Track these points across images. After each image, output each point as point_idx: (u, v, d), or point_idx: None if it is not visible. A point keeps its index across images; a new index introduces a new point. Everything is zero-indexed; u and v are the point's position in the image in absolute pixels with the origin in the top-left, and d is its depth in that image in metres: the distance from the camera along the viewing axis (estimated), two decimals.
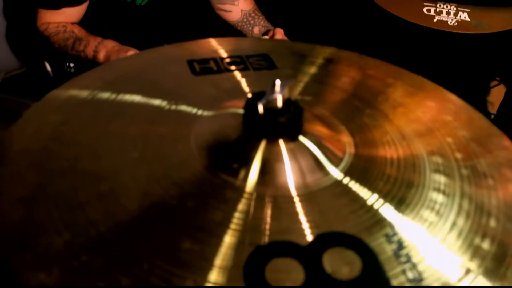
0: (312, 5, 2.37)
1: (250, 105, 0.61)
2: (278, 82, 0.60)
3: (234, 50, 0.83)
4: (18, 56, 2.19)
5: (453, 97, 0.78)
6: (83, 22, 1.61)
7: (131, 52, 1.41)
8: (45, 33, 1.57)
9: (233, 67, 0.79)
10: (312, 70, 0.81)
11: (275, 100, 0.61)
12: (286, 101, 0.62)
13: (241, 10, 1.82)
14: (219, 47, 0.83)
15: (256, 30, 1.81)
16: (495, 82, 2.56)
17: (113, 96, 0.69)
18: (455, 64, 2.34)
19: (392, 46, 2.19)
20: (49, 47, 1.59)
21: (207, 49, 0.83)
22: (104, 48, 1.49)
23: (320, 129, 0.68)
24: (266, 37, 1.71)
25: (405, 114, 0.73)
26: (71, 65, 1.69)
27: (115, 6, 1.64)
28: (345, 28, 2.37)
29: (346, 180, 0.62)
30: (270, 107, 0.61)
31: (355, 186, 0.62)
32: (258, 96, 0.62)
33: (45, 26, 1.56)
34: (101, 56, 1.49)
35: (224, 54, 0.82)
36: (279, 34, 1.68)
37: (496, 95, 2.44)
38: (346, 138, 0.68)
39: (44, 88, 1.91)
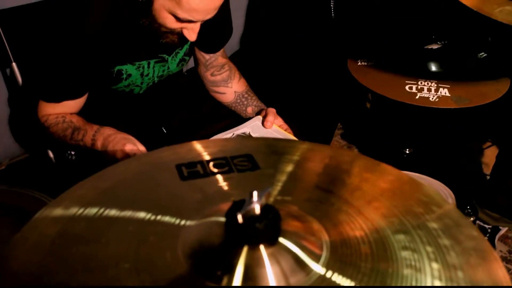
0: (303, 85, 2.45)
1: (231, 214, 0.66)
2: (255, 193, 0.65)
3: (219, 151, 0.88)
4: (21, 143, 2.26)
5: (426, 189, 0.82)
6: (82, 110, 1.64)
7: (129, 146, 1.44)
8: (45, 124, 1.60)
9: (218, 170, 0.84)
10: (289, 168, 0.86)
11: (253, 209, 0.66)
12: (263, 208, 0.67)
13: (235, 92, 1.88)
14: (204, 150, 0.88)
15: (249, 110, 1.86)
16: (488, 144, 2.62)
17: (102, 210, 0.74)
18: (445, 131, 2.41)
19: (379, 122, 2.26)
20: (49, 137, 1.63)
21: (195, 152, 0.88)
22: (101, 137, 1.51)
23: (298, 229, 0.72)
24: (259, 117, 1.76)
25: (379, 209, 0.77)
26: (72, 153, 1.71)
27: (114, 96, 1.69)
28: (333, 106, 2.45)
29: (329, 274, 0.66)
30: (249, 215, 0.65)
31: (338, 279, 0.66)
32: (238, 204, 0.67)
33: (46, 118, 1.59)
34: (99, 144, 1.51)
35: (209, 156, 0.87)
36: (272, 113, 1.73)
37: (490, 156, 2.48)
38: (322, 234, 0.72)
39: (46, 174, 1.95)
